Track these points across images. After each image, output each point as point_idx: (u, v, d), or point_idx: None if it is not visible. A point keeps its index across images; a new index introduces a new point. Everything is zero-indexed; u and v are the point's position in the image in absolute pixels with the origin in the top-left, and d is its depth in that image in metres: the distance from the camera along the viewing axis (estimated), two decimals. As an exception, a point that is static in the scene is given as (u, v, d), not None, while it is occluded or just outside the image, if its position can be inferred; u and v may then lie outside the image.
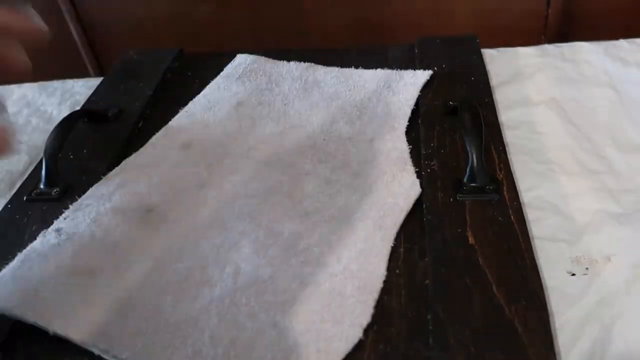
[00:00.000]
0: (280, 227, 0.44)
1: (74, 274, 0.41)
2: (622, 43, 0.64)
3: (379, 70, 0.61)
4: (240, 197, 0.47)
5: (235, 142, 0.54)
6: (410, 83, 0.58)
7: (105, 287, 0.40)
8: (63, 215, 0.46)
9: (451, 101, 0.54)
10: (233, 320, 0.38)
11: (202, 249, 0.43)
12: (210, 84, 0.63)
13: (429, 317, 0.37)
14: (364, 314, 0.37)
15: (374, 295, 0.39)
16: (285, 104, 0.58)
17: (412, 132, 0.53)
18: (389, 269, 0.41)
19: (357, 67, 0.62)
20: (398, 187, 0.47)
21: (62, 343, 0.37)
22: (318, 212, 0.45)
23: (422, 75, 0.59)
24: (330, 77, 0.61)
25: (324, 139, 0.53)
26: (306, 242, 0.43)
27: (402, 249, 0.43)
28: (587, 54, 0.63)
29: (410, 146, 0.51)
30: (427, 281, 0.40)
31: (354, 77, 0.60)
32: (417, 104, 0.56)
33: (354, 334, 0.36)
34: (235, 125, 0.56)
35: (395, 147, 0.51)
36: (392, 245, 0.42)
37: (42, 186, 0.50)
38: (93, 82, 0.72)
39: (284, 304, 0.38)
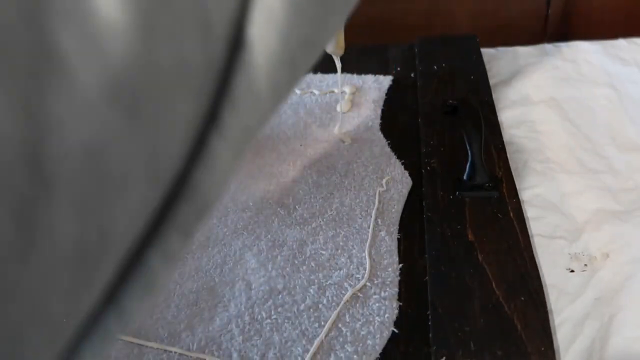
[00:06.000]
0: (281, 237, 0.44)
1: None
2: (622, 42, 0.64)
3: (337, 74, 0.61)
4: (230, 213, 0.47)
5: None
6: (375, 87, 0.59)
7: None
8: None
9: (451, 100, 0.54)
10: (258, 336, 0.37)
11: (204, 270, 0.43)
12: None
13: (428, 313, 0.37)
14: (390, 310, 0.38)
15: (395, 289, 0.39)
16: None
17: (412, 131, 0.53)
18: None
19: (357, 66, 0.62)
20: (390, 181, 0.48)
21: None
22: (316, 217, 0.46)
23: (385, 80, 0.60)
24: None
25: (300, 145, 0.53)
26: (312, 247, 0.43)
27: (402, 246, 0.43)
28: (587, 54, 0.63)
29: (389, 141, 0.52)
30: (426, 278, 0.40)
31: (315, 82, 0.60)
32: (416, 102, 0.56)
33: (386, 330, 0.37)
34: None
35: (375, 143, 0.52)
36: (398, 237, 0.43)
37: None
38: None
39: (307, 312, 0.38)
